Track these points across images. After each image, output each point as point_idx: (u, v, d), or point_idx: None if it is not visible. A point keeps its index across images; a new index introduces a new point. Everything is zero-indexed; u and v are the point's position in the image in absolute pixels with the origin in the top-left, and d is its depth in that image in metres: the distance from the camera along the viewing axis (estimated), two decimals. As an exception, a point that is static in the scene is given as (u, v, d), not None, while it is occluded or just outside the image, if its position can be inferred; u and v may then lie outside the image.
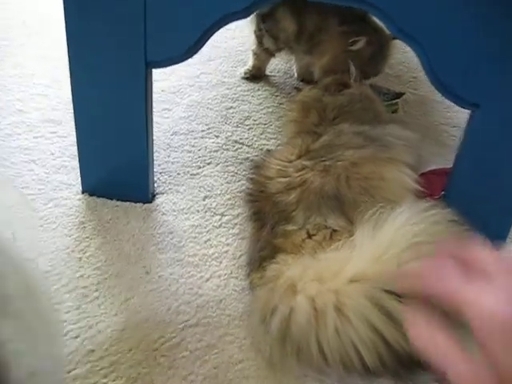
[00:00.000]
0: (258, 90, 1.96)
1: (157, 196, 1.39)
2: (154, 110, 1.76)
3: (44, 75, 1.89)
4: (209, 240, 1.26)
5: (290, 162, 1.23)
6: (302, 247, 1.05)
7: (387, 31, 1.78)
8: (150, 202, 1.36)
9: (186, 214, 1.33)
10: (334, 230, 1.06)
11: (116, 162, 1.32)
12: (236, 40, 2.36)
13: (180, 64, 1.98)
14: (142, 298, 1.11)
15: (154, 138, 1.56)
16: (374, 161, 1.20)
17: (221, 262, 1.21)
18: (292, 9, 1.79)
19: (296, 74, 2.09)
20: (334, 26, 1.76)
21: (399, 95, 1.83)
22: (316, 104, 1.47)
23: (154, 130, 1.64)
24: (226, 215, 1.34)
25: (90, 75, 1.20)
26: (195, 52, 1.20)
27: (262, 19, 1.86)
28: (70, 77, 1.22)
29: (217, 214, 1.34)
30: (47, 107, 1.71)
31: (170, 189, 1.42)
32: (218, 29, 1.17)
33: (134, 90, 1.21)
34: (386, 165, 1.20)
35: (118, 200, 1.35)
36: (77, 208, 1.33)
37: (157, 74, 2.03)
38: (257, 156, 1.42)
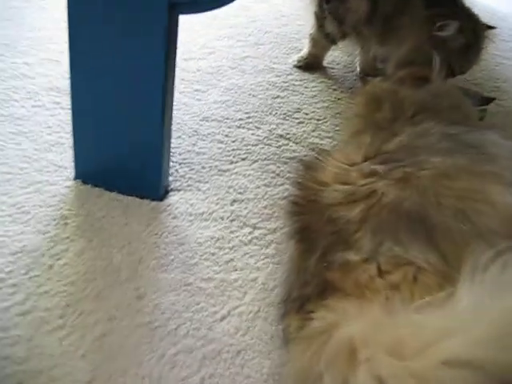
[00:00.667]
0: (313, 80, 1.61)
1: (171, 193, 1.05)
2: (183, 89, 1.46)
3: (61, 40, 1.57)
4: (232, 260, 0.91)
5: (354, 164, 0.87)
6: (368, 289, 0.69)
7: (481, 19, 1.44)
8: (161, 200, 1.02)
9: (206, 220, 0.99)
10: (420, 268, 0.69)
11: (120, 142, 0.99)
12: (290, 27, 2.03)
13: (222, 44, 1.67)
14: (125, 335, 0.76)
15: (179, 121, 1.23)
16: (472, 174, 0.83)
17: (245, 294, 0.86)
18: None
19: (359, 68, 1.74)
20: (419, 7, 1.40)
21: (489, 100, 1.46)
22: (390, 97, 1.11)
23: (181, 112, 1.32)
24: (259, 228, 0.99)
25: (90, 18, 0.87)
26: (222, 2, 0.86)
27: None
28: (68, 21, 0.89)
29: (247, 226, 0.99)
30: (56, 74, 1.40)
31: (189, 185, 1.07)
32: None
33: (151, 43, 0.87)
34: (490, 182, 0.82)
35: (118, 193, 1.01)
36: (62, 197, 0.99)
37: (194, 51, 1.75)
38: (307, 155, 1.05)
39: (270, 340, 0.78)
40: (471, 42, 1.40)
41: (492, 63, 1.95)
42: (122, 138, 0.98)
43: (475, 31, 1.41)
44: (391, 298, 0.66)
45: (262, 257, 0.92)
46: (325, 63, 1.75)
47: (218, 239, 0.95)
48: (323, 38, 1.63)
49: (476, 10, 1.43)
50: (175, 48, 0.92)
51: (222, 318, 0.80)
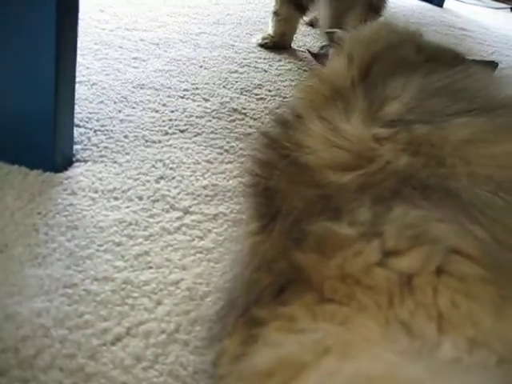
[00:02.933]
0: (280, 60, 1.34)
1: (75, 164, 0.75)
2: (119, 56, 1.16)
3: None
4: (146, 254, 0.61)
5: (346, 128, 0.57)
6: (362, 288, 0.38)
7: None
8: (57, 172, 0.71)
9: (116, 199, 0.69)
10: (454, 250, 0.39)
11: (3, 102, 0.69)
12: (256, 12, 1.78)
13: (175, 20, 1.41)
14: None
15: (105, 86, 0.95)
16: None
17: (159, 304, 0.55)
18: None
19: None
20: None
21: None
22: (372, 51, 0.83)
23: (110, 78, 1.03)
24: (192, 212, 0.69)
25: None
26: None
27: None
28: None
29: (175, 209, 0.69)
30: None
31: (102, 156, 0.77)
32: None
33: None
34: None
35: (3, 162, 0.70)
36: None
37: (140, 23, 1.47)
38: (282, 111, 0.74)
39: (191, 379, 0.48)
40: None
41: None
42: (5, 96, 0.68)
43: None
44: (401, 303, 0.37)
45: (191, 251, 0.62)
46: (295, 46, 1.49)
47: (130, 224, 0.64)
48: (291, 9, 1.37)
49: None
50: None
51: (116, 340, 0.49)
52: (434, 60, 0.74)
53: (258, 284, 0.43)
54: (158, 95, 1.00)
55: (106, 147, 0.80)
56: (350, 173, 0.49)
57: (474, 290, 0.37)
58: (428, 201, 0.43)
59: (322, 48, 1.43)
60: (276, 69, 1.28)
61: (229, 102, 1.03)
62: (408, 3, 2.83)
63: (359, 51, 0.78)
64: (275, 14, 1.43)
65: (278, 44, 1.42)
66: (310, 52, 1.42)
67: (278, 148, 0.56)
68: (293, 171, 0.51)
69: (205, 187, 0.74)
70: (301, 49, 1.49)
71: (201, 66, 1.19)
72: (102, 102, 0.93)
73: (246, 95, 1.09)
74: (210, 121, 0.94)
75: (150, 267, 0.59)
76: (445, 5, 3.04)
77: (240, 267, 0.48)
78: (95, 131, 0.83)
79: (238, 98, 1.06)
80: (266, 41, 1.41)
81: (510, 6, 3.78)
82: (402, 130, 0.54)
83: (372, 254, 0.38)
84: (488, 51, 2.15)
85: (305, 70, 1.31)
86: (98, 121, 0.86)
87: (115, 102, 0.94)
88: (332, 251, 0.39)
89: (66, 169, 0.73)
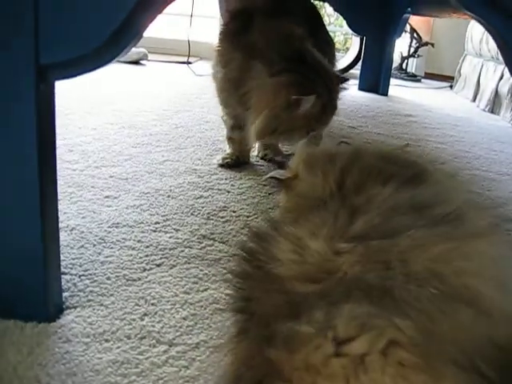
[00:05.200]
0: (240, 178, 1.47)
1: (66, 311, 0.83)
2: (92, 197, 1.27)
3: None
4: (141, 389, 0.69)
5: (314, 237, 0.69)
6: (322, 377, 0.48)
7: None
8: (52, 321, 0.80)
9: (107, 341, 0.77)
10: (392, 339, 0.49)
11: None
12: (214, 131, 1.93)
13: (140, 151, 1.53)
14: None
15: (84, 230, 1.04)
16: (450, 238, 0.66)
17: None
18: None
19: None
20: (262, 73, 1.34)
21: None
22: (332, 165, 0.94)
23: (87, 220, 1.13)
24: (176, 344, 0.77)
25: None
26: (108, 58, 0.70)
27: None
28: None
29: (161, 343, 0.77)
30: None
31: (89, 300, 0.86)
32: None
33: (18, 115, 0.69)
34: (472, 239, 0.66)
35: (-5, 317, 0.78)
36: None
37: (107, 159, 1.59)
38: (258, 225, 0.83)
39: None
40: (328, 104, 1.35)
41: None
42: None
43: (330, 90, 1.35)
44: (356, 382, 0.46)
45: (180, 381, 0.70)
46: (254, 161, 1.63)
47: (123, 363, 0.72)
48: (242, 131, 1.51)
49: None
50: (53, 122, 0.74)
51: None
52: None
53: (240, 379, 0.53)
54: (133, 232, 1.10)
55: (91, 291, 0.88)
56: (313, 285, 0.60)
57: (410, 375, 0.47)
58: (369, 299, 0.54)
59: (282, 157, 1.56)
60: (238, 188, 1.40)
61: (198, 230, 1.13)
62: (355, 95, 3.04)
63: (329, 167, 0.91)
64: (229, 139, 1.58)
65: (238, 160, 1.55)
66: (276, 161, 1.54)
67: (253, 261, 0.67)
68: (266, 281, 0.63)
69: (185, 318, 0.83)
70: (259, 163, 1.63)
71: (168, 196, 1.30)
72: (82, 246, 1.02)
73: (212, 219, 1.19)
74: (182, 251, 1.03)
75: (145, 402, 0.66)
76: (390, 92, 3.25)
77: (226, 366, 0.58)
78: (80, 276, 0.92)
79: (205, 223, 1.17)
80: (226, 160, 1.54)
81: (449, 84, 4.06)
82: (359, 244, 0.65)
83: (328, 346, 0.49)
84: (433, 134, 2.33)
85: (264, 185, 1.43)
86: (80, 266, 0.95)
87: (94, 245, 1.03)
88: (297, 347, 0.50)
89: (58, 317, 0.81)
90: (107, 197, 1.27)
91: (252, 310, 0.60)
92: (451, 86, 4.02)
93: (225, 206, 1.27)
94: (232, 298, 0.67)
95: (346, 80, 1.42)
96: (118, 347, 0.75)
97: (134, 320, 0.82)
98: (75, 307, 0.84)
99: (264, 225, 0.77)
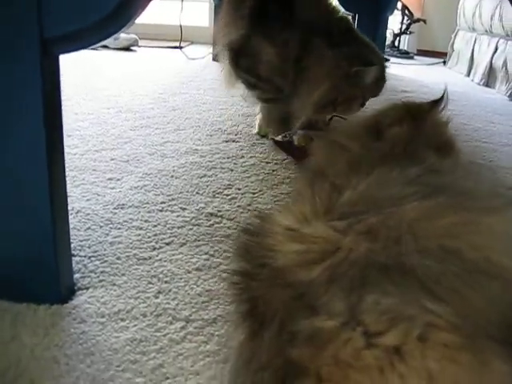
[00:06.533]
0: (242, 157, 1.45)
1: (78, 292, 0.81)
2: (94, 179, 1.25)
3: None
4: (161, 366, 0.67)
5: (305, 222, 0.66)
6: (355, 369, 0.46)
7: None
8: (63, 303, 0.78)
9: (123, 320, 0.75)
10: (427, 323, 0.47)
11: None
12: (212, 112, 1.90)
13: (139, 134, 1.51)
14: None
15: (89, 212, 1.03)
16: (458, 209, 0.64)
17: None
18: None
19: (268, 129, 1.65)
20: (323, 48, 1.37)
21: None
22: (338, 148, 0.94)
23: (92, 202, 1.11)
24: (193, 320, 0.76)
25: None
26: (112, 30, 0.68)
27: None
28: None
29: (178, 319, 0.76)
30: None
31: (101, 281, 0.84)
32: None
33: (23, 90, 0.67)
34: (482, 214, 0.64)
35: (7, 301, 0.77)
36: None
37: (107, 142, 1.58)
38: (248, 222, 0.82)
39: None
40: (380, 76, 1.43)
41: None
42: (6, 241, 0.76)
43: (382, 66, 1.44)
44: (392, 371, 0.45)
45: (200, 356, 0.69)
46: (254, 140, 1.61)
47: (141, 341, 0.71)
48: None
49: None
50: (59, 98, 0.72)
51: None
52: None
53: (261, 383, 0.51)
54: (139, 212, 1.08)
55: (102, 272, 0.87)
56: (316, 266, 0.57)
57: (456, 356, 0.45)
58: (391, 284, 0.52)
59: (285, 136, 1.55)
60: (241, 166, 1.38)
61: (204, 208, 1.12)
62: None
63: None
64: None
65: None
66: (274, 140, 1.53)
67: (251, 258, 0.64)
68: (269, 277, 0.59)
69: (200, 294, 0.82)
70: (260, 141, 1.61)
71: (172, 176, 1.28)
72: (89, 228, 1.01)
73: (218, 197, 1.18)
74: (191, 229, 1.02)
75: (167, 377, 0.65)
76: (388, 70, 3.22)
77: (241, 374, 0.55)
78: (89, 258, 0.91)
79: (211, 201, 1.15)
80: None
81: (442, 60, 4.04)
82: (354, 221, 0.62)
83: (358, 340, 0.47)
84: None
85: (267, 162, 1.41)
86: (89, 247, 0.94)
87: (101, 226, 1.01)
88: (323, 344, 0.47)
89: (70, 299, 0.80)
90: (110, 179, 1.25)
91: (260, 311, 0.57)
92: (444, 62, 4.00)
93: (229, 184, 1.25)
94: (236, 301, 0.63)
95: (388, 60, 1.51)
96: (135, 325, 0.74)
97: (148, 298, 0.80)
98: (87, 288, 0.83)
99: (253, 219, 0.74)
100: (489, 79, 3.07)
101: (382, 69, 1.43)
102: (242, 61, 1.44)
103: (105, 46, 3.34)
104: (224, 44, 1.48)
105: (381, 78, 1.43)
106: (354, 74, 1.32)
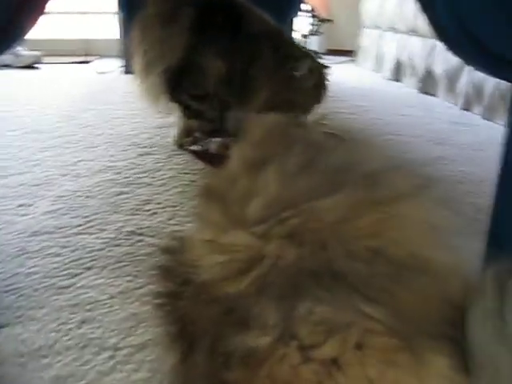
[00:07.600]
0: (159, 170, 1.41)
1: (-6, 332, 0.76)
2: (3, 207, 1.18)
3: None
4: (89, 402, 0.63)
5: (224, 233, 0.64)
6: None
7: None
8: (-21, 345, 0.72)
9: (46, 357, 0.71)
10: (364, 329, 0.46)
11: None
12: (125, 126, 1.85)
13: (49, 155, 1.45)
14: None
15: (1, 242, 0.96)
16: (370, 204, 0.63)
17: None
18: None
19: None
20: (268, 52, 1.42)
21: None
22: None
23: (1, 232, 1.05)
24: (121, 348, 0.72)
25: None
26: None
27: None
28: None
29: (105, 349, 0.72)
30: None
31: (18, 317, 0.79)
32: None
33: None
34: (398, 203, 0.63)
35: None
36: None
37: (13, 167, 1.49)
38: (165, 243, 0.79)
39: None
40: (319, 82, 1.46)
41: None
42: None
43: (320, 72, 1.48)
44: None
45: (131, 387, 0.66)
46: (170, 151, 1.57)
47: (67, 378, 0.67)
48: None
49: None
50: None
51: None
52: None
53: None
54: (55, 238, 1.03)
55: (19, 306, 0.81)
56: (243, 277, 0.55)
57: (394, 359, 0.44)
58: (323, 290, 0.50)
59: (201, 145, 1.52)
60: (158, 179, 1.35)
61: (123, 226, 1.08)
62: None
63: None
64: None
65: None
66: (190, 150, 1.51)
67: (175, 277, 0.61)
68: (194, 294, 0.57)
69: (126, 319, 0.78)
70: (177, 152, 1.57)
71: (87, 197, 1.23)
72: (1, 260, 0.95)
73: (137, 214, 1.14)
74: (111, 250, 0.98)
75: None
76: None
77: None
78: (4, 292, 0.85)
79: (130, 219, 1.11)
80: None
81: (351, 58, 4.14)
82: (272, 223, 0.60)
83: (294, 355, 0.45)
84: (343, 106, 2.35)
85: (186, 173, 1.39)
86: (4, 280, 0.88)
87: (15, 257, 0.96)
88: (258, 363, 0.45)
89: (-14, 340, 0.74)
90: (21, 205, 1.19)
91: (190, 331, 0.54)
92: (353, 60, 4.09)
93: (148, 199, 1.22)
94: (164, 323, 0.59)
95: (328, 67, 1.54)
96: (59, 361, 0.70)
97: (71, 330, 0.76)
98: (3, 326, 0.77)
99: (169, 239, 0.71)
100: (397, 74, 3.16)
101: (321, 75, 1.47)
102: (185, 81, 1.41)
103: (7, 65, 3.20)
104: (160, 64, 1.43)
105: (320, 85, 1.46)
106: (291, 75, 1.37)
